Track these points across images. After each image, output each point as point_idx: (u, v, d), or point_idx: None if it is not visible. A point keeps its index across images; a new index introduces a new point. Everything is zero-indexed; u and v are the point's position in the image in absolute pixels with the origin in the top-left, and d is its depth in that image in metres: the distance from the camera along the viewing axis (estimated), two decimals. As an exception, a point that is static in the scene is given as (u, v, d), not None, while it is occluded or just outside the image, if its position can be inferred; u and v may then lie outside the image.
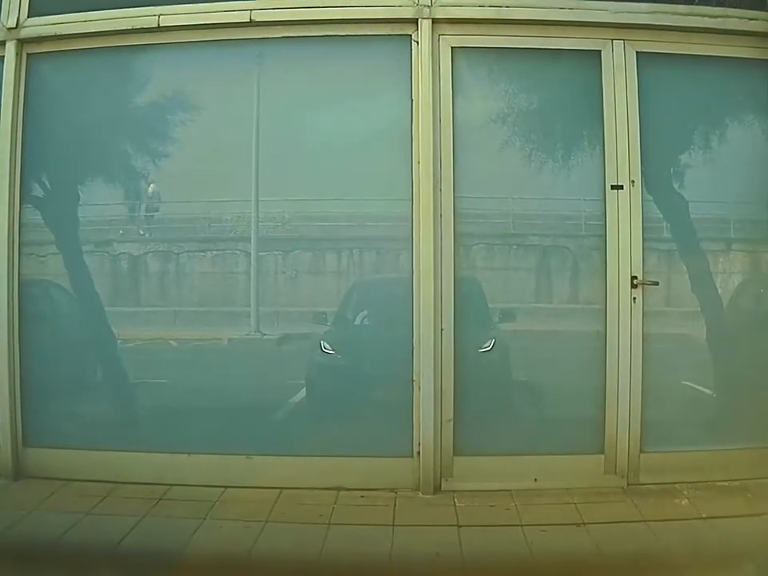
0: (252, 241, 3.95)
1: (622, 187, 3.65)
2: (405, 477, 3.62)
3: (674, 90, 3.75)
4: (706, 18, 3.63)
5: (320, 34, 3.69)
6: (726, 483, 3.58)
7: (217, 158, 3.85)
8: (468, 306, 3.71)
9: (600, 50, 3.67)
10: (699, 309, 3.86)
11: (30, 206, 3.88)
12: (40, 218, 3.94)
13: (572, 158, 3.79)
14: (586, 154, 3.77)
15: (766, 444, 3.65)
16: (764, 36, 3.68)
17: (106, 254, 4.13)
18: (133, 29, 3.72)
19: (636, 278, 3.64)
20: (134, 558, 2.87)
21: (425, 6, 3.62)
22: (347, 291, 4.05)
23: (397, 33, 3.67)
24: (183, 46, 3.76)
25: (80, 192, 4.00)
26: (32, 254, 3.91)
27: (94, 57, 3.81)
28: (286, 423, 3.92)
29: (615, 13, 3.63)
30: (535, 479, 3.60)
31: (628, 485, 3.62)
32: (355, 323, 4.15)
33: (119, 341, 3.99)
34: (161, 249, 4.17)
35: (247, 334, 4.00)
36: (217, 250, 4.10)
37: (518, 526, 3.18)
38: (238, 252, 4.05)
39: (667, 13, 3.64)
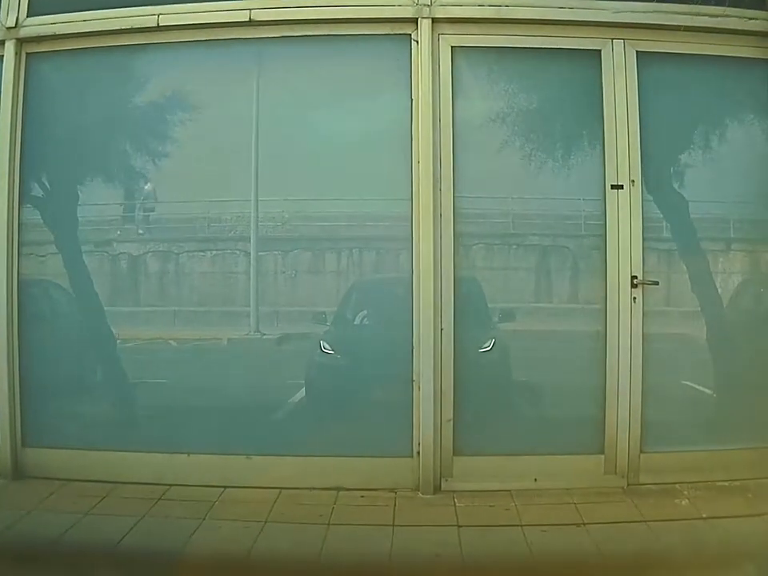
0: (252, 241, 3.95)
1: (622, 187, 3.64)
2: (405, 477, 3.62)
3: (674, 89, 3.75)
4: (705, 18, 3.63)
5: (319, 33, 3.69)
6: (726, 483, 3.58)
7: (216, 158, 3.85)
8: (468, 306, 3.71)
9: (600, 50, 3.67)
10: (699, 309, 3.86)
11: (29, 205, 3.88)
12: (39, 217, 3.94)
13: (572, 157, 3.79)
14: (586, 153, 3.77)
15: (765, 444, 3.65)
16: (764, 35, 3.67)
17: (105, 254, 4.13)
18: (132, 28, 3.72)
19: (636, 277, 3.64)
20: (133, 558, 2.86)
21: (424, 5, 3.62)
22: (347, 291, 4.05)
23: (396, 32, 3.67)
24: (182, 46, 3.76)
25: (79, 192, 4.00)
26: (31, 253, 3.91)
27: (94, 56, 3.81)
28: (286, 423, 3.92)
29: (615, 12, 3.63)
30: (535, 479, 3.60)
31: (628, 485, 3.61)
32: (355, 323, 4.15)
33: (119, 341, 3.98)
34: (160, 248, 4.17)
35: (247, 334, 4.00)
36: (216, 250, 4.10)
37: (517, 526, 3.17)
38: (237, 252, 4.05)
39: (667, 12, 3.63)
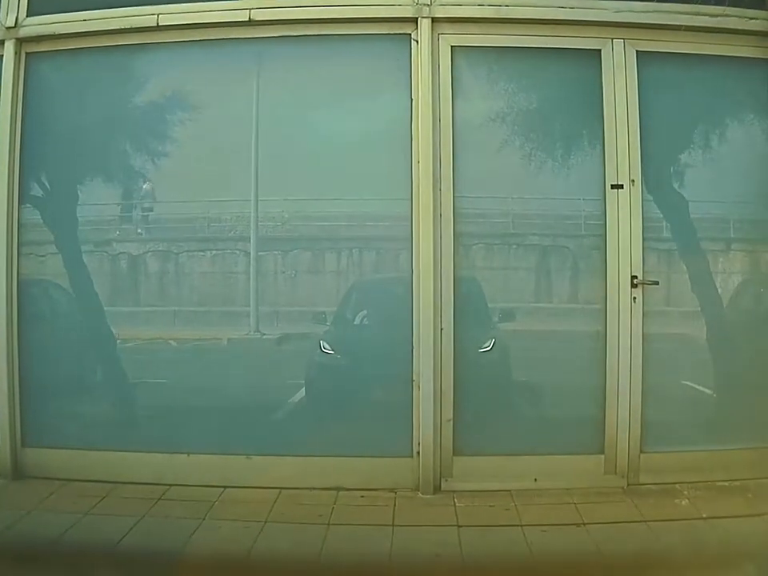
0: (251, 240, 3.95)
1: (622, 186, 3.64)
2: (404, 477, 3.62)
3: (674, 89, 3.75)
4: (705, 17, 3.62)
5: (319, 33, 3.69)
6: (726, 483, 3.58)
7: (216, 158, 3.85)
8: (468, 306, 3.71)
9: (600, 49, 3.66)
10: (699, 308, 3.86)
11: (29, 205, 3.88)
12: (39, 217, 3.94)
13: (572, 157, 3.79)
14: (586, 153, 3.77)
15: (765, 444, 3.65)
16: (764, 35, 3.67)
17: (105, 254, 4.13)
18: (132, 28, 3.72)
19: (636, 277, 3.63)
20: (133, 558, 2.86)
21: (424, 4, 3.62)
22: (347, 291, 4.05)
23: (396, 32, 3.67)
24: (182, 45, 3.75)
25: (79, 192, 4.00)
26: (31, 253, 3.91)
27: (93, 56, 3.81)
28: (286, 423, 3.91)
29: (615, 12, 3.63)
30: (535, 479, 3.60)
31: (628, 485, 3.61)
32: (355, 323, 4.15)
33: (119, 340, 3.98)
34: (160, 248, 4.17)
35: (247, 334, 4.00)
36: (216, 250, 4.10)
37: (517, 526, 3.17)
38: (237, 252, 4.05)
39: (667, 12, 3.63)
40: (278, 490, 3.56)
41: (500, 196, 3.90)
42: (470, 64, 3.72)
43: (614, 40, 3.66)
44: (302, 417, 3.99)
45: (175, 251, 4.17)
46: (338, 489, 3.58)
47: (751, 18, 3.65)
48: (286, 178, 3.87)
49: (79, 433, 3.86)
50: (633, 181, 3.64)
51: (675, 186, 3.84)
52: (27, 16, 3.79)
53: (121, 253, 4.14)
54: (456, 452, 3.63)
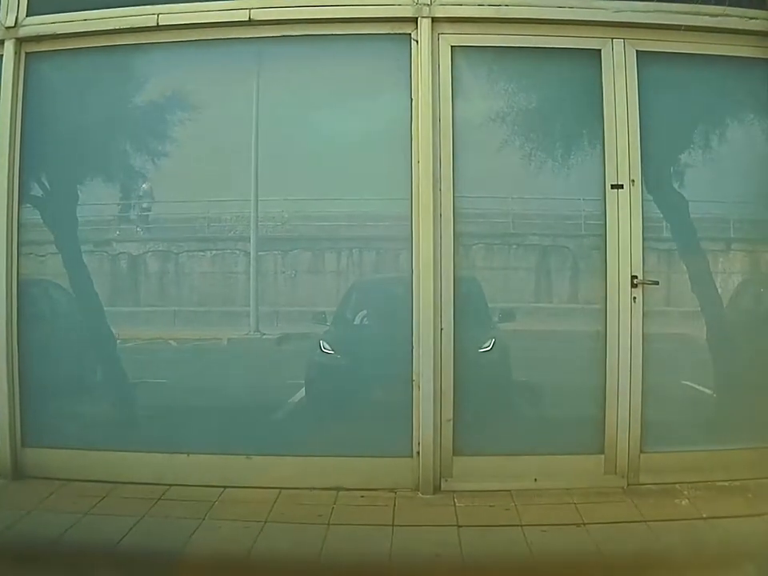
0: (251, 240, 3.95)
1: (622, 186, 3.64)
2: (404, 477, 3.62)
3: (674, 89, 3.74)
4: (706, 17, 3.62)
5: (319, 32, 3.69)
6: (726, 483, 3.58)
7: (216, 158, 3.85)
8: (468, 306, 3.71)
9: (600, 49, 3.66)
10: (699, 308, 3.86)
11: (29, 205, 3.88)
12: (39, 217, 3.93)
13: (572, 157, 3.79)
14: (586, 153, 3.77)
15: (765, 444, 3.65)
16: (764, 35, 3.67)
17: (105, 254, 4.13)
18: (132, 28, 3.72)
19: (636, 277, 3.63)
20: (133, 558, 2.86)
21: (424, 4, 3.62)
22: (347, 291, 4.04)
23: (396, 32, 3.67)
24: (182, 45, 3.75)
25: (79, 191, 4.00)
26: (31, 253, 3.91)
27: (93, 56, 3.81)
28: (286, 423, 3.91)
29: (615, 12, 3.63)
30: (535, 479, 3.59)
31: (628, 485, 3.61)
32: (355, 323, 4.15)
33: (118, 340, 3.98)
34: (160, 248, 4.17)
35: (247, 334, 3.99)
36: (216, 250, 4.10)
37: (517, 526, 3.17)
38: (237, 252, 4.05)
39: (667, 12, 3.63)
40: (277, 490, 3.56)
41: (500, 196, 3.90)
42: (469, 64, 3.72)
43: (614, 40, 3.65)
44: (301, 417, 3.99)
45: (175, 251, 4.17)
46: (337, 489, 3.58)
47: (751, 18, 3.65)
48: (286, 178, 3.87)
49: (79, 433, 3.86)
50: (633, 181, 3.64)
51: (675, 185, 3.83)
52: (27, 16, 3.79)
53: (121, 253, 4.14)
54: (456, 452, 3.63)
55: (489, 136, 3.74)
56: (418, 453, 3.60)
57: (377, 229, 3.99)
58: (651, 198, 3.71)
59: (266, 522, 3.23)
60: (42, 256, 3.99)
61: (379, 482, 3.60)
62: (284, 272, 3.99)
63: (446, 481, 3.62)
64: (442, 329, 3.62)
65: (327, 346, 3.95)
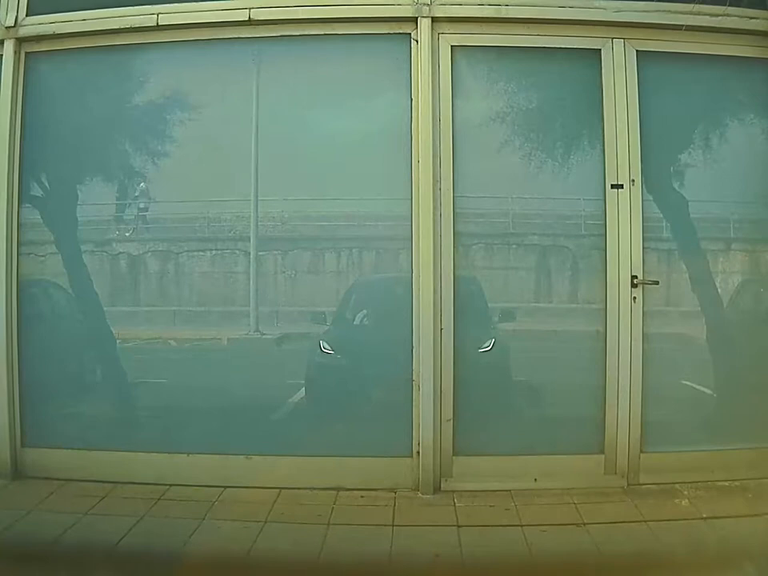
0: (251, 240, 3.95)
1: (622, 186, 3.64)
2: (404, 477, 3.62)
3: (674, 88, 3.74)
4: (706, 17, 3.62)
5: (319, 32, 3.69)
6: (727, 483, 3.58)
7: (216, 158, 3.85)
8: (468, 306, 3.70)
9: (600, 49, 3.66)
10: (699, 308, 3.86)
11: (28, 205, 3.88)
12: (39, 217, 3.93)
13: (572, 157, 3.78)
14: (586, 153, 3.77)
15: (766, 444, 3.64)
16: (764, 35, 3.67)
17: (105, 254, 4.12)
18: (131, 27, 3.72)
19: (636, 277, 3.63)
20: (132, 558, 2.86)
21: (424, 4, 3.62)
22: (346, 291, 4.04)
23: (396, 31, 3.67)
24: (182, 45, 3.75)
25: (79, 191, 4.00)
26: (31, 253, 3.91)
27: (93, 56, 3.81)
28: (286, 423, 3.91)
29: (615, 11, 3.63)
30: (535, 479, 3.59)
31: (628, 485, 3.61)
32: (354, 323, 4.15)
33: (118, 341, 3.98)
34: (160, 248, 4.17)
35: (246, 334, 3.99)
36: (216, 250, 4.10)
37: (517, 526, 3.17)
38: (237, 252, 4.05)
39: (667, 11, 3.63)
40: (277, 490, 3.56)
41: (500, 196, 3.89)
42: (469, 64, 3.72)
43: (614, 40, 3.65)
44: (301, 417, 3.99)
45: (175, 251, 4.17)
46: (337, 489, 3.58)
47: (752, 18, 3.65)
48: (286, 178, 3.87)
49: (79, 433, 3.86)
50: (633, 181, 3.64)
51: (675, 185, 3.84)
52: (27, 15, 3.79)
53: (121, 253, 4.13)
54: (456, 452, 3.63)
55: (489, 136, 3.74)
56: (418, 453, 3.60)
57: (377, 229, 3.99)
58: (651, 197, 3.71)
59: (265, 522, 3.23)
60: (42, 256, 3.99)
61: (379, 482, 3.60)
62: (284, 272, 3.99)
63: (446, 481, 3.62)
64: (441, 329, 3.62)
65: (327, 346, 3.95)
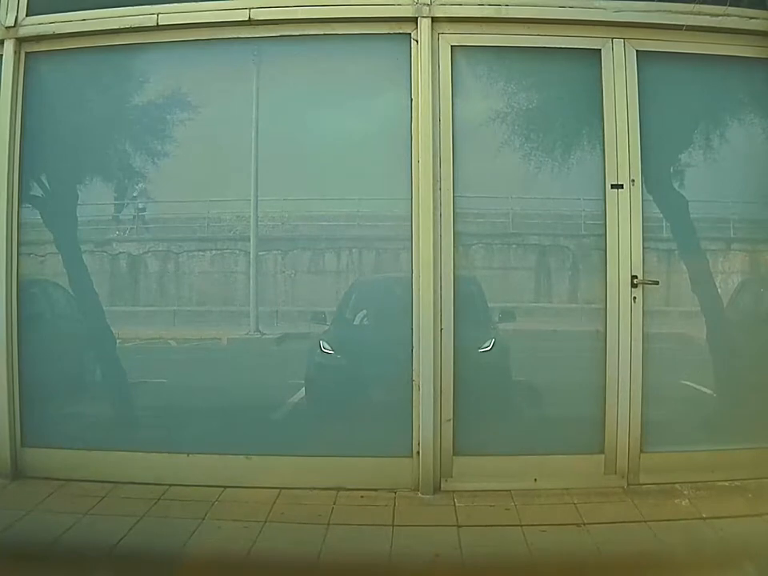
0: (251, 240, 3.95)
1: (622, 186, 3.64)
2: (404, 477, 3.62)
3: (675, 88, 3.75)
4: (706, 17, 3.61)
5: (319, 32, 3.69)
6: (727, 483, 3.58)
7: (216, 158, 3.85)
8: (468, 306, 3.71)
9: (600, 49, 3.66)
10: (699, 308, 3.86)
11: (28, 205, 3.87)
12: (39, 217, 3.93)
13: (572, 156, 3.78)
14: (586, 152, 3.77)
15: (766, 444, 3.64)
16: (764, 35, 3.67)
17: (105, 254, 4.12)
18: (131, 27, 3.71)
19: (636, 277, 3.63)
20: (132, 559, 2.86)
21: (424, 4, 3.62)
22: (346, 291, 4.04)
23: (396, 31, 3.67)
24: (182, 45, 3.75)
25: (79, 191, 4.00)
26: (31, 253, 3.91)
27: (93, 56, 3.81)
28: (286, 423, 3.91)
29: (615, 11, 3.63)
30: (535, 479, 3.59)
31: (628, 485, 3.61)
32: (354, 323, 4.14)
33: (118, 340, 3.98)
34: (160, 248, 4.17)
35: (246, 334, 3.99)
36: (216, 250, 4.10)
37: (517, 526, 3.17)
38: (237, 251, 4.05)
39: (667, 11, 3.63)
40: (277, 490, 3.56)
41: (500, 196, 3.89)
42: (469, 63, 3.72)
43: (614, 40, 3.65)
44: (301, 417, 3.99)
45: (175, 251, 4.17)
46: (337, 489, 3.58)
47: (752, 18, 3.65)
48: (286, 177, 3.87)
49: (79, 433, 3.86)
50: (633, 181, 3.64)
51: (675, 185, 3.83)
52: (27, 15, 3.79)
53: (121, 253, 4.13)
54: (456, 452, 3.63)
55: (489, 136, 3.74)
56: (418, 453, 3.60)
57: (377, 229, 3.99)
58: (651, 197, 3.71)
59: (265, 522, 3.23)
60: (42, 256, 3.99)
61: (379, 482, 3.60)
62: (284, 272, 3.99)
63: (446, 481, 3.62)
64: (441, 329, 3.62)
65: (327, 346, 3.95)
